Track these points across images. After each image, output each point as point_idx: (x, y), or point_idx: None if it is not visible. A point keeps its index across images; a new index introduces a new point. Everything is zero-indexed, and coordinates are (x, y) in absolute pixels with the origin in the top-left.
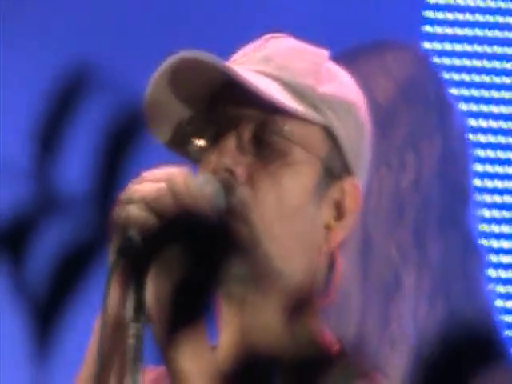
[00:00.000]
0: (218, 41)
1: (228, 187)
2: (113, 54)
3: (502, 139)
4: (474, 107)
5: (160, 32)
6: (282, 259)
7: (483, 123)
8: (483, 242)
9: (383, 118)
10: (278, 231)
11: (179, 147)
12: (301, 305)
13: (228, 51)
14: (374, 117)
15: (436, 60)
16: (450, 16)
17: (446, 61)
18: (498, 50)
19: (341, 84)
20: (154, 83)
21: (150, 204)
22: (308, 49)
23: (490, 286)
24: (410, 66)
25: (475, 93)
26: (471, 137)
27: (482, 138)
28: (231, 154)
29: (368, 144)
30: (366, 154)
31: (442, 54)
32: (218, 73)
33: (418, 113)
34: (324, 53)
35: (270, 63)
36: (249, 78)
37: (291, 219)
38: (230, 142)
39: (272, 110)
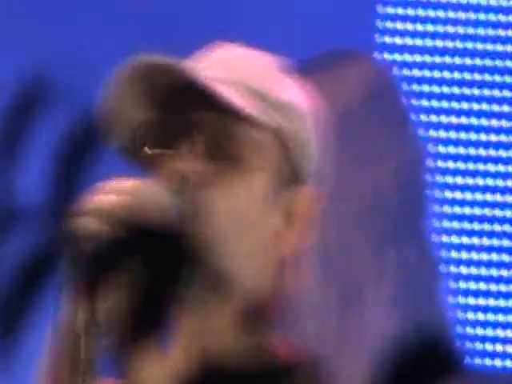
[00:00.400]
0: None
1: (182, 193)
2: (71, 63)
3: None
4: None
5: (120, 39)
6: (235, 265)
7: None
8: (442, 253)
9: (342, 129)
10: (230, 237)
11: (133, 154)
12: (253, 312)
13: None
14: (334, 127)
15: (393, 70)
16: (402, 25)
17: (404, 71)
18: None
19: (292, 90)
20: (110, 88)
21: (104, 216)
22: (258, 54)
23: (448, 298)
24: (369, 77)
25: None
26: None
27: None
28: (185, 159)
29: (319, 151)
30: (318, 161)
31: (398, 64)
32: (174, 76)
33: (377, 124)
34: (274, 59)
35: (223, 68)
36: (203, 79)
37: (243, 225)
38: (184, 147)
39: (226, 114)
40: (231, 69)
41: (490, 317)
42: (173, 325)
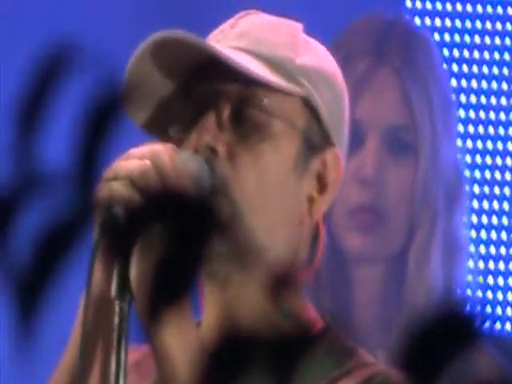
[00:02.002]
0: (203, 19)
1: (210, 164)
2: (94, 32)
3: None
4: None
5: (142, 11)
6: (265, 234)
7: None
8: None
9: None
10: (260, 206)
11: (156, 128)
12: (283, 280)
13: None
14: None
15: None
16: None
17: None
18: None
19: (317, 55)
20: (133, 62)
21: (134, 181)
22: (283, 22)
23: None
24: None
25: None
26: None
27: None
28: (211, 132)
29: (346, 114)
30: (345, 125)
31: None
32: (197, 51)
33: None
34: (299, 25)
35: (245, 38)
36: (226, 54)
37: (273, 194)
38: (210, 120)
39: (250, 84)
40: (253, 39)
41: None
42: (201, 292)
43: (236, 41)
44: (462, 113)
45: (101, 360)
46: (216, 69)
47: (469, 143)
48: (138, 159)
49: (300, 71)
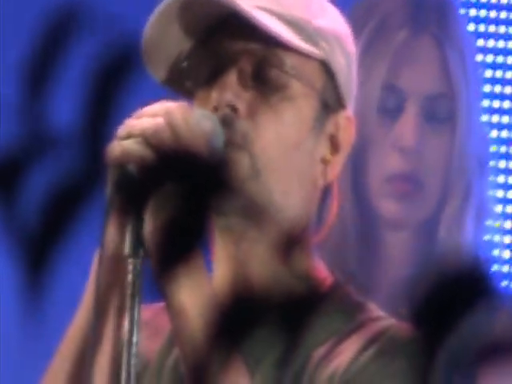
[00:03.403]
0: None
1: (230, 121)
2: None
3: None
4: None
5: None
6: (281, 192)
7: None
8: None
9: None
10: (277, 164)
11: (176, 84)
12: (296, 239)
13: None
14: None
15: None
16: None
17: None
18: None
19: (332, 18)
20: (153, 18)
21: (147, 138)
22: None
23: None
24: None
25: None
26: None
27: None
28: (232, 89)
29: (355, 76)
30: (355, 87)
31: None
32: (221, 7)
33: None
34: None
35: None
36: (250, 11)
37: (291, 153)
38: (231, 77)
39: (272, 43)
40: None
41: None
42: (213, 250)
43: (258, 0)
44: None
45: (115, 317)
46: (239, 26)
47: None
48: (150, 117)
49: (319, 34)
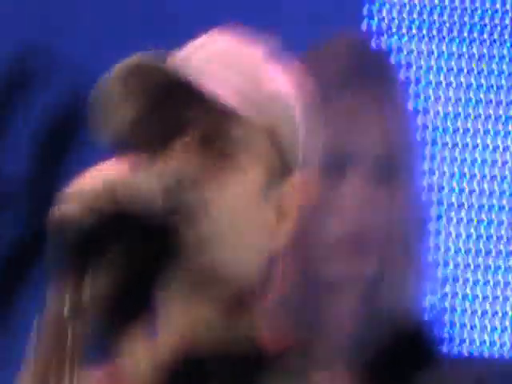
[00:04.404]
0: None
1: (174, 191)
2: (58, 43)
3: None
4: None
5: (109, 21)
6: (228, 261)
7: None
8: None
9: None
10: (224, 235)
11: (122, 149)
12: (240, 302)
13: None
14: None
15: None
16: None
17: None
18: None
19: (283, 82)
20: (101, 86)
21: (88, 202)
22: (251, 46)
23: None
24: (359, 52)
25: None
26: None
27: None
28: (181, 157)
29: (301, 141)
30: (301, 152)
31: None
32: (166, 74)
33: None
34: (264, 50)
35: (214, 63)
36: (197, 79)
37: (238, 223)
38: (180, 145)
39: (218, 112)
40: (222, 64)
41: (467, 305)
42: (158, 311)
43: (206, 65)
44: None
45: (56, 380)
46: (186, 94)
47: None
48: (91, 180)
49: (267, 99)
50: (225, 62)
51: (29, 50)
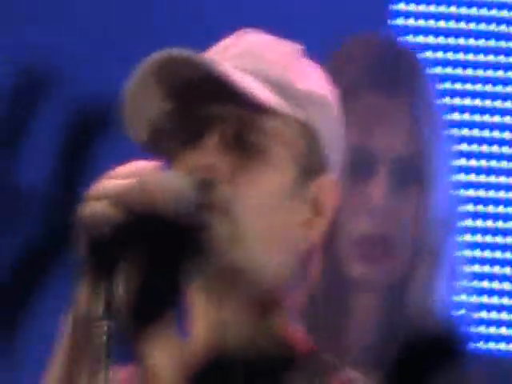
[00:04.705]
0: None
1: (209, 185)
2: (72, 49)
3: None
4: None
5: (126, 28)
6: (260, 257)
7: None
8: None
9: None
10: (257, 229)
11: (154, 146)
12: (274, 302)
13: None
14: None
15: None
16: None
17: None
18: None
19: (316, 79)
20: (132, 79)
21: (118, 200)
22: (282, 43)
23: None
24: (373, 50)
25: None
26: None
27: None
28: (212, 153)
29: (342, 137)
30: (339, 149)
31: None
32: (201, 71)
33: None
34: (297, 47)
35: (247, 58)
36: (231, 75)
37: (271, 218)
38: (211, 141)
39: (254, 107)
40: (254, 59)
41: (495, 300)
42: (187, 311)
43: (237, 59)
44: None
45: (86, 381)
46: (219, 88)
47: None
48: (122, 178)
49: (301, 95)
50: (258, 58)
51: (43, 55)
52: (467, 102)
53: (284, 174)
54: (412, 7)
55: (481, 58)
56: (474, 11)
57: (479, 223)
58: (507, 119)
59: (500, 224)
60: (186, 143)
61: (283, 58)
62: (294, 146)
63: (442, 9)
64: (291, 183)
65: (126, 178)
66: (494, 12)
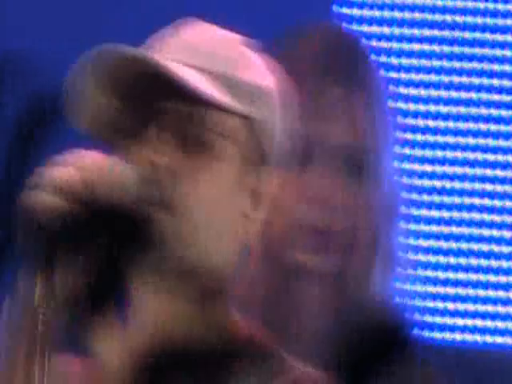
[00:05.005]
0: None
1: (150, 178)
2: (24, 40)
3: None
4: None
5: (79, 19)
6: (202, 249)
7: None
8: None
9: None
10: (199, 222)
11: (97, 134)
12: (215, 292)
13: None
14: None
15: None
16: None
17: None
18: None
19: (257, 70)
20: (74, 75)
21: (59, 189)
22: (227, 35)
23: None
24: (331, 40)
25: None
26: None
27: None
28: (154, 147)
29: (286, 128)
30: (285, 139)
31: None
32: (143, 65)
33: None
34: (239, 37)
35: (188, 51)
36: (173, 69)
37: (213, 210)
38: (153, 134)
39: (196, 101)
40: (198, 53)
41: (440, 290)
42: (132, 301)
43: (178, 53)
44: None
45: (25, 370)
46: (161, 82)
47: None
48: (65, 167)
49: (242, 88)
50: (203, 51)
51: None
52: (412, 91)
53: (227, 167)
54: None
55: (426, 46)
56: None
57: (424, 212)
58: (452, 109)
59: (445, 214)
60: (130, 135)
61: (226, 50)
62: (236, 139)
63: None
64: (232, 175)
65: (68, 166)
66: (438, 1)
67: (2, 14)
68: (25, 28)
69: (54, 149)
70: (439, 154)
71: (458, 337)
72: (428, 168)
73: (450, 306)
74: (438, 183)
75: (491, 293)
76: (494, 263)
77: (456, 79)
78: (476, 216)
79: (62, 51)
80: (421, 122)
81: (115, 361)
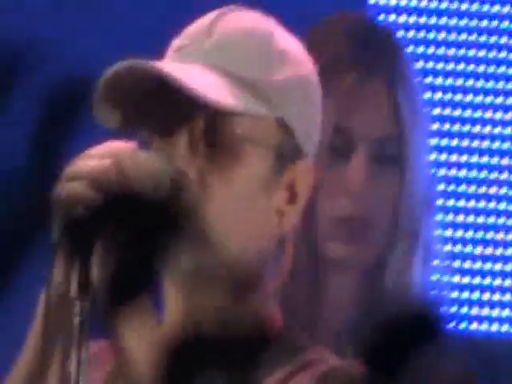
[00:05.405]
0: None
1: (183, 172)
2: (51, 28)
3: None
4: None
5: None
6: (235, 247)
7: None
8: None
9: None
10: (230, 224)
11: (127, 130)
12: (250, 287)
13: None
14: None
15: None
16: None
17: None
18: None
19: (293, 63)
20: (108, 70)
21: (94, 180)
22: (257, 29)
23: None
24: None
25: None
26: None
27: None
28: (181, 153)
29: (319, 119)
30: (317, 132)
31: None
32: (166, 83)
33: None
34: (276, 27)
35: (217, 54)
36: (195, 82)
37: (244, 210)
38: (180, 144)
39: (215, 109)
40: (228, 54)
41: (477, 280)
42: (163, 291)
43: (206, 56)
44: None
45: (60, 359)
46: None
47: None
48: (97, 158)
49: (273, 89)
50: (229, 52)
51: (18, 40)
52: (448, 81)
53: (255, 168)
54: None
55: (463, 37)
56: None
57: (458, 203)
58: (487, 99)
59: (478, 204)
60: (159, 135)
61: (256, 49)
62: (267, 140)
63: None
64: (264, 175)
65: (103, 158)
66: None
67: (21, 4)
68: (44, 17)
69: (88, 139)
70: (478, 144)
71: (494, 328)
72: (463, 158)
73: (486, 296)
74: (470, 173)
75: None
76: None
77: (490, 70)
78: None
79: (81, 40)
80: (457, 113)
81: (142, 354)
